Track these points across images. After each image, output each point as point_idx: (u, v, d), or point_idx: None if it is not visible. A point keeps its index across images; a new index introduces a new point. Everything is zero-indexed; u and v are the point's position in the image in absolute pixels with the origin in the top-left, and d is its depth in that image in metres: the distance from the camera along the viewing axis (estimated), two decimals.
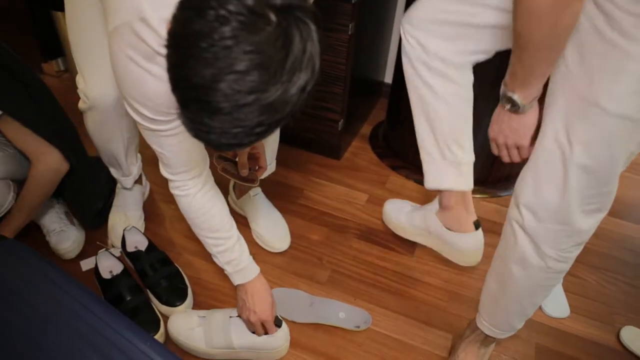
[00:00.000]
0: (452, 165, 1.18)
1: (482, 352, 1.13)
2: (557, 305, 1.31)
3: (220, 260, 1.09)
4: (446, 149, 1.16)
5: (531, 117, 0.86)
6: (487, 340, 1.10)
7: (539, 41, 0.73)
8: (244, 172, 1.27)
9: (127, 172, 1.39)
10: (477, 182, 1.73)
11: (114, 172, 1.40)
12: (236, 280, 1.11)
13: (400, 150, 1.81)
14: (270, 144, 1.40)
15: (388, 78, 2.14)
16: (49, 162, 1.21)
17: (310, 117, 1.74)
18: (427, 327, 1.26)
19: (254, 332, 1.12)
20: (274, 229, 1.44)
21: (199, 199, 1.03)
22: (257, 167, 1.31)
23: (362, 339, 1.22)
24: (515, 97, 0.83)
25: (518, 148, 0.91)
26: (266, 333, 1.12)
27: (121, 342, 0.86)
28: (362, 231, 1.52)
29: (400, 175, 1.77)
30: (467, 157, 1.19)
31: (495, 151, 0.98)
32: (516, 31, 0.76)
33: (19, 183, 1.26)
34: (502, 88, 0.87)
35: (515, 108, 0.85)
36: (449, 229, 1.30)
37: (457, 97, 1.10)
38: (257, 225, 1.44)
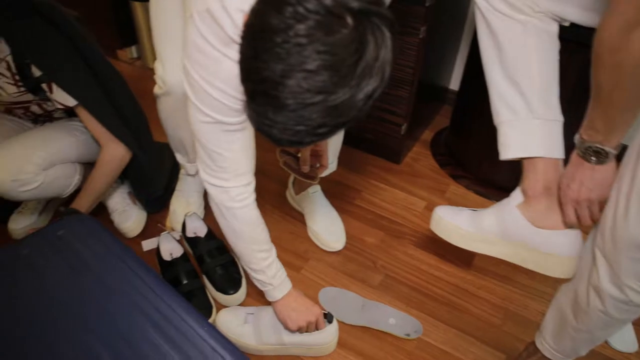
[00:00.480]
0: (544, 125, 0.92)
1: None
2: (624, 338, 1.23)
3: (267, 274, 1.07)
4: (536, 102, 0.91)
5: (613, 165, 0.81)
6: None
7: (626, 95, 0.70)
8: (305, 169, 1.28)
9: (193, 158, 1.43)
10: None
11: (179, 157, 1.45)
12: (283, 289, 1.10)
13: (462, 160, 1.76)
14: (333, 143, 1.40)
15: (453, 85, 2.09)
16: (114, 151, 1.27)
17: (373, 119, 1.72)
18: (479, 343, 1.22)
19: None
20: (330, 228, 1.44)
21: (255, 208, 1.02)
22: (318, 165, 1.31)
23: (412, 348, 1.20)
24: (601, 147, 0.78)
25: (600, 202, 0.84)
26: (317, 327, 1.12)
27: (179, 323, 0.88)
28: (418, 238, 1.49)
29: (460, 185, 1.72)
30: (559, 115, 0.94)
31: (572, 217, 0.88)
32: (598, 85, 0.72)
33: (89, 165, 1.33)
34: (582, 142, 0.81)
35: (602, 159, 0.79)
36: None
37: (547, 34, 0.89)
38: (314, 223, 1.44)
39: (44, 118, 1.34)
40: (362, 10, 0.56)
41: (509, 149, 0.95)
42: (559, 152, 0.93)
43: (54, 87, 1.16)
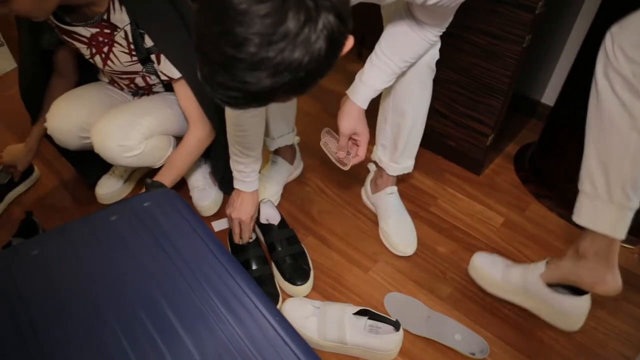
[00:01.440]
0: (617, 209, 1.01)
1: None
2: None
3: (233, 166, 1.26)
4: (618, 191, 0.99)
5: None
6: None
7: None
8: (341, 154, 1.23)
9: (273, 134, 1.46)
10: (634, 230, 1.55)
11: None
12: (236, 185, 1.29)
13: (547, 179, 1.67)
14: (409, 143, 1.36)
15: (546, 99, 1.98)
16: (200, 131, 1.31)
17: (457, 125, 1.66)
18: None
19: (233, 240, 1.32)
20: (402, 232, 1.41)
21: (243, 116, 1.14)
22: (355, 154, 1.23)
23: None
24: None
25: None
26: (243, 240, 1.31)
27: (254, 311, 0.89)
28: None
29: (542, 204, 1.63)
30: (637, 203, 1.01)
31: None
32: None
33: (179, 140, 1.37)
34: None
35: None
36: (574, 283, 1.14)
37: None
38: (387, 225, 1.42)
39: (144, 91, 1.40)
40: None
41: (580, 217, 1.07)
42: (622, 234, 1.03)
43: (162, 58, 1.21)
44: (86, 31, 1.18)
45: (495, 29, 1.42)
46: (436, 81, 1.61)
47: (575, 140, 1.52)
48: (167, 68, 1.22)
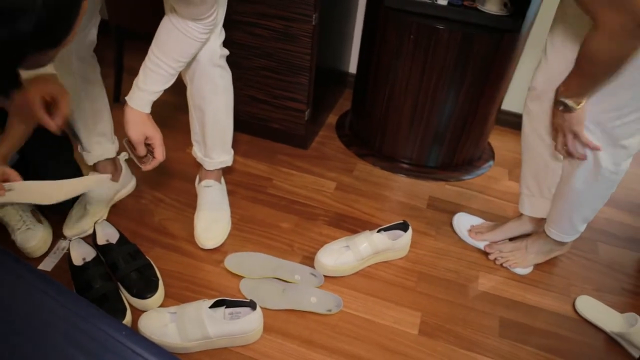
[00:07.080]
0: (546, 201, 1.41)
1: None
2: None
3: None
4: (546, 190, 1.39)
5: (581, 112, 1.10)
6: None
7: (605, 74, 0.98)
8: (139, 152, 1.20)
9: (88, 147, 1.41)
10: (441, 166, 1.80)
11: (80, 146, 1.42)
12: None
13: (366, 139, 1.85)
14: (217, 137, 1.40)
15: (352, 68, 2.17)
16: None
17: (276, 108, 1.75)
18: (396, 306, 1.30)
19: None
20: (208, 225, 1.43)
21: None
22: (154, 157, 1.22)
23: (335, 321, 1.26)
24: (569, 102, 1.08)
25: (575, 134, 1.14)
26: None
27: (96, 333, 0.86)
28: (331, 218, 1.55)
29: (367, 162, 1.81)
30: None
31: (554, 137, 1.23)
32: (593, 65, 0.97)
33: None
34: (557, 94, 1.11)
35: (567, 109, 1.10)
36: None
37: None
38: (197, 216, 1.45)
39: None
40: None
41: (524, 210, 1.47)
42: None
43: None
44: None
45: (286, 12, 1.52)
46: (248, 69, 1.68)
47: (377, 101, 1.72)
48: None
